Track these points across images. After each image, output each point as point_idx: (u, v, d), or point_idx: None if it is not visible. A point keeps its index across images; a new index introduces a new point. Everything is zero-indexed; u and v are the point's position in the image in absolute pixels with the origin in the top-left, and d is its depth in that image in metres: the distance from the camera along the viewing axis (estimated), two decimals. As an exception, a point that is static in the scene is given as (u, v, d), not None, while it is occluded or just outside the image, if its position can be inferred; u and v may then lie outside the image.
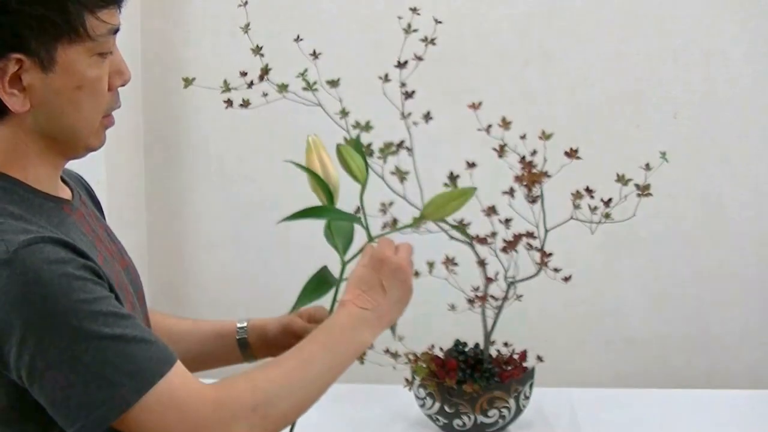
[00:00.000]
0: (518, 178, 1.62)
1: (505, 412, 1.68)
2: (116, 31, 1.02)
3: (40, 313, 0.90)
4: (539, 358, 1.73)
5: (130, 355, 0.93)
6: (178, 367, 0.99)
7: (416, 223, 1.24)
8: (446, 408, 1.68)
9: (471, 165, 1.65)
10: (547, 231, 1.64)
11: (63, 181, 1.11)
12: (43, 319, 0.90)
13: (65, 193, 1.09)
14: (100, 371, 0.92)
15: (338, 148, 1.19)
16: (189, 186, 2.49)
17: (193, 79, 1.59)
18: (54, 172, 1.06)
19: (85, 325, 0.91)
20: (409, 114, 1.65)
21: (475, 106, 1.66)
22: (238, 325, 1.38)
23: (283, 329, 1.36)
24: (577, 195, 1.60)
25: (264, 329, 1.37)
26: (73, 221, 1.04)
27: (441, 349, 1.78)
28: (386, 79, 1.64)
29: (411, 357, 1.70)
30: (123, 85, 1.06)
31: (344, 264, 1.24)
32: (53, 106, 1.00)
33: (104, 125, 1.05)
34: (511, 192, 1.65)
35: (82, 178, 1.25)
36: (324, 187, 1.22)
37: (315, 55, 1.62)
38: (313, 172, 1.23)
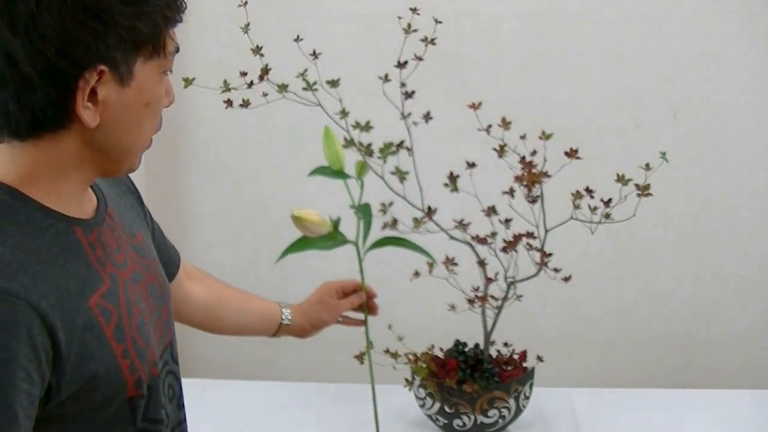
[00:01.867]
0: (518, 178, 1.62)
1: (505, 412, 1.68)
2: (178, 50, 1.01)
3: None
4: (539, 358, 1.73)
5: None
6: None
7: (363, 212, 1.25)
8: (446, 408, 1.68)
9: (471, 165, 1.66)
10: (547, 231, 1.64)
11: (91, 187, 1.07)
12: None
13: (89, 207, 1.05)
14: None
15: (326, 129, 1.21)
16: (189, 186, 2.49)
17: (193, 79, 1.59)
18: (82, 189, 1.02)
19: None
20: (409, 114, 1.65)
21: (475, 106, 1.66)
22: (282, 309, 1.61)
23: (330, 309, 1.63)
24: (577, 195, 1.60)
25: (305, 315, 1.62)
26: (79, 249, 0.99)
27: (441, 349, 1.78)
28: (386, 79, 1.64)
29: (411, 357, 1.70)
30: (167, 107, 1.04)
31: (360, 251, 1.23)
32: (120, 122, 0.97)
33: (147, 145, 1.04)
34: (511, 192, 1.65)
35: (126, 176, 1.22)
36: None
37: (315, 55, 1.62)
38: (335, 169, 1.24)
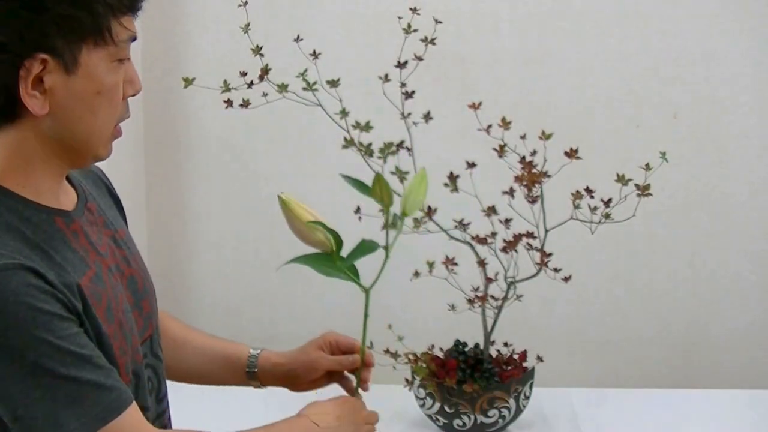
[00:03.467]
0: (518, 178, 1.62)
1: (505, 412, 1.68)
2: (134, 39, 1.01)
3: None
4: (539, 358, 1.73)
5: (80, 398, 0.92)
6: (130, 414, 0.97)
7: (399, 222, 1.19)
8: (446, 408, 1.68)
9: (471, 165, 1.66)
10: (547, 231, 1.64)
11: (71, 182, 1.09)
12: (0, 349, 0.89)
13: (68, 200, 1.06)
14: (49, 409, 0.91)
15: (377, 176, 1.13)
16: (189, 186, 2.48)
17: (193, 79, 1.59)
18: (55, 181, 1.03)
19: (42, 362, 0.90)
20: (409, 114, 1.65)
21: (475, 106, 1.66)
22: (251, 353, 1.35)
23: (307, 366, 1.32)
24: (577, 195, 1.61)
25: (278, 365, 1.34)
26: (62, 236, 1.01)
27: (441, 349, 1.78)
28: (386, 79, 1.64)
29: (411, 357, 1.70)
30: (133, 95, 1.04)
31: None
32: (71, 110, 0.98)
33: (113, 135, 1.04)
34: (511, 192, 1.65)
35: (102, 173, 1.23)
36: (332, 234, 1.15)
37: (315, 55, 1.62)
38: (362, 183, 1.16)
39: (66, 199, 1.06)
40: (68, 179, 1.09)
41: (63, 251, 0.99)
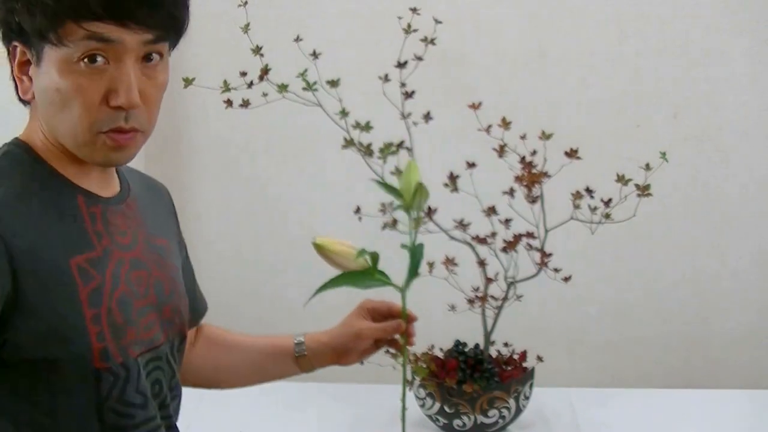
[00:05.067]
0: (518, 178, 1.62)
1: (505, 412, 1.68)
2: (102, 39, 0.97)
3: None
4: (539, 358, 1.73)
5: None
6: None
7: (416, 223, 1.20)
8: (446, 408, 1.68)
9: (471, 165, 1.66)
10: (547, 231, 1.64)
11: (120, 178, 1.13)
12: None
13: (109, 189, 1.09)
14: None
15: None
16: (189, 186, 2.49)
17: (193, 79, 1.59)
18: (94, 168, 1.06)
19: None
20: (409, 114, 1.65)
21: (475, 106, 1.66)
22: (296, 340, 1.36)
23: (355, 337, 1.34)
24: (577, 195, 1.60)
25: (326, 343, 1.35)
26: (77, 213, 1.03)
27: (441, 349, 1.78)
28: (386, 79, 1.64)
29: (411, 357, 1.70)
30: (124, 108, 1.00)
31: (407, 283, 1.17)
32: (44, 100, 1.01)
33: (105, 142, 1.01)
34: (511, 192, 1.65)
35: (167, 193, 1.29)
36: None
37: (315, 55, 1.62)
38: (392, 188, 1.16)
39: (106, 188, 1.09)
40: (118, 175, 1.13)
41: (68, 226, 1.02)
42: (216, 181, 2.48)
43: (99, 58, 0.98)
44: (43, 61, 0.99)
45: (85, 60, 0.98)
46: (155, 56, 1.03)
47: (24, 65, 1.01)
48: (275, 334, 1.39)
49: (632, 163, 1.62)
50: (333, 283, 1.11)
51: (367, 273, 1.13)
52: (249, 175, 2.47)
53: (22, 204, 0.99)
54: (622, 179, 1.58)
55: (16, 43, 1.00)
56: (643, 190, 1.58)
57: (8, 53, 1.02)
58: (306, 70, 1.60)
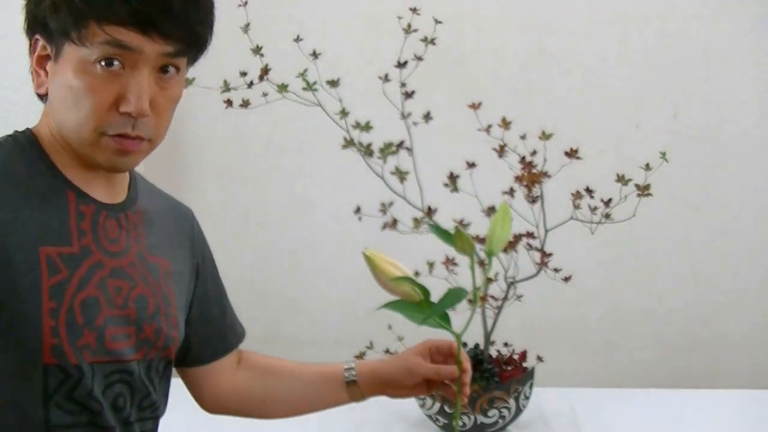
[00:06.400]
0: (518, 178, 1.62)
1: (505, 412, 1.68)
2: (121, 46, 0.98)
3: None
4: (539, 358, 1.73)
5: None
6: None
7: (488, 264, 1.18)
8: (446, 408, 1.68)
9: (471, 165, 1.66)
10: (547, 231, 1.64)
11: (131, 191, 1.11)
12: None
13: (112, 196, 1.08)
14: None
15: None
16: (189, 186, 2.49)
17: (193, 79, 1.58)
18: (99, 173, 1.05)
19: None
20: (409, 114, 1.65)
21: (475, 106, 1.66)
22: (346, 366, 1.31)
23: (406, 371, 1.29)
24: (577, 195, 1.61)
25: (377, 370, 1.31)
26: (63, 207, 1.02)
27: (441, 349, 1.78)
28: (386, 79, 1.64)
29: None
30: (133, 116, 1.00)
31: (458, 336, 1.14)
32: (57, 96, 1.01)
33: (108, 144, 1.01)
34: (511, 192, 1.65)
35: (193, 216, 1.26)
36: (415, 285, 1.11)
37: (315, 55, 1.62)
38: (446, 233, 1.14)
39: (103, 192, 1.07)
40: (129, 188, 1.11)
41: (48, 217, 1.01)
42: (216, 181, 2.48)
43: (116, 63, 0.98)
44: (62, 58, 0.99)
45: (102, 63, 0.98)
46: (171, 69, 1.04)
47: (43, 59, 1.02)
48: (327, 363, 1.35)
49: (632, 163, 1.62)
50: (388, 306, 1.09)
51: (421, 307, 1.10)
52: (249, 175, 2.47)
53: (8, 186, 1.00)
54: (622, 179, 1.58)
55: (38, 37, 1.01)
56: (643, 190, 1.58)
57: (29, 45, 1.03)
58: (306, 70, 1.60)
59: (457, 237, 1.09)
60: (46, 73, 1.02)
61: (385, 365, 1.30)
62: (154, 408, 1.12)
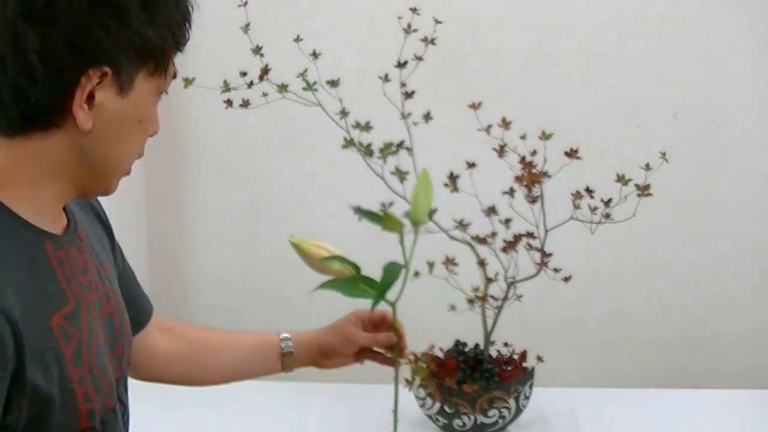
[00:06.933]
0: (518, 178, 1.62)
1: (505, 412, 1.68)
2: (174, 76, 1.00)
3: None
4: (539, 358, 1.73)
5: None
6: None
7: (414, 232, 1.20)
8: (446, 408, 1.68)
9: (471, 165, 1.66)
10: (547, 231, 1.64)
11: (64, 208, 1.03)
12: None
13: (60, 224, 1.00)
14: None
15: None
16: (189, 186, 2.49)
17: (193, 79, 1.59)
18: (57, 204, 0.98)
19: None
20: (409, 114, 1.65)
21: (475, 106, 1.66)
22: (282, 336, 1.36)
23: (344, 340, 1.34)
24: (577, 195, 1.61)
25: (314, 341, 1.36)
26: (47, 263, 0.94)
27: (441, 349, 1.78)
28: (386, 79, 1.64)
29: (411, 357, 1.70)
30: (151, 136, 1.02)
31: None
32: (111, 132, 0.95)
33: (127, 171, 1.02)
34: (511, 192, 1.65)
35: (96, 201, 1.17)
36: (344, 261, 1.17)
37: (315, 55, 1.62)
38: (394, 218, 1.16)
39: (58, 224, 1.00)
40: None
41: (44, 281, 0.93)
42: (216, 181, 2.48)
43: None
44: (132, 90, 0.94)
45: (165, 92, 0.99)
46: None
47: (90, 94, 0.91)
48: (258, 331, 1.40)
49: (632, 163, 1.62)
50: (322, 287, 1.11)
51: (354, 283, 1.13)
52: (249, 175, 2.47)
53: (5, 265, 0.89)
54: (622, 179, 1.58)
55: (106, 68, 0.91)
56: (643, 190, 1.58)
57: (76, 80, 0.90)
58: (306, 70, 1.60)
59: (386, 218, 1.11)
60: (92, 107, 0.92)
61: (323, 335, 1.35)
62: (128, 420, 1.12)
